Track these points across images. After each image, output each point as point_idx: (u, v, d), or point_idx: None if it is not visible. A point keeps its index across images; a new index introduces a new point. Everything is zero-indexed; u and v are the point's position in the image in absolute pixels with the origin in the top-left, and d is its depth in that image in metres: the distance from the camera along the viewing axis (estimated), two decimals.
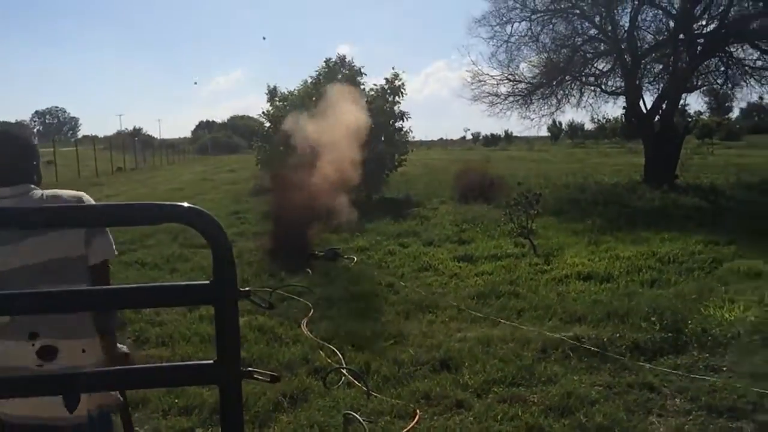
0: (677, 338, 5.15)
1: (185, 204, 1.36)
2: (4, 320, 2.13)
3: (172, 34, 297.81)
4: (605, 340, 5.17)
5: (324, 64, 16.14)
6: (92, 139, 49.59)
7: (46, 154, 36.70)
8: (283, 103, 16.83)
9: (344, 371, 4.76)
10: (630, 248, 8.89)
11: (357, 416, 3.87)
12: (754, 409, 3.95)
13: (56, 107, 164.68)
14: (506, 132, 74.93)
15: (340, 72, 16.16)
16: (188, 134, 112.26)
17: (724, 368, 4.61)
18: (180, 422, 4.04)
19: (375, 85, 15.86)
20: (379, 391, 4.43)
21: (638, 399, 4.15)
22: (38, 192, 2.34)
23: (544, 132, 59.49)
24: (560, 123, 74.02)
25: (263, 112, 17.74)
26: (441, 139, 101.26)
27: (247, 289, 1.51)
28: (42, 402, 1.93)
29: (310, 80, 16.97)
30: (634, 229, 10.57)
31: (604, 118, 35.45)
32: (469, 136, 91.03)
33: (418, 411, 4.05)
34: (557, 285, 7.15)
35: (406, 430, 3.79)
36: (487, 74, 19.19)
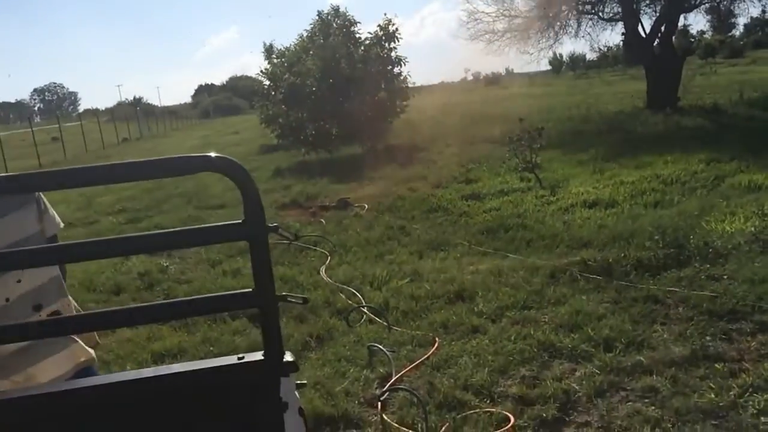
0: (680, 253, 5.38)
1: (213, 154, 1.57)
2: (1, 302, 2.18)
3: (159, 1, 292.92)
4: (611, 261, 5.40)
5: (317, 17, 16.06)
6: (94, 112, 49.55)
7: (52, 131, 36.85)
8: (280, 60, 16.82)
9: (365, 309, 5.04)
10: (634, 173, 9.07)
11: (380, 347, 4.15)
12: (752, 310, 4.19)
13: (54, 83, 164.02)
14: (507, 69, 74.13)
15: (334, 23, 16.10)
16: (189, 99, 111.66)
17: (725, 277, 4.84)
18: None
19: (369, 33, 15.81)
20: (399, 325, 4.71)
21: (643, 311, 4.40)
22: None
23: (545, 66, 58.73)
24: (561, 55, 72.89)
25: (261, 71, 17.74)
26: (442, 82, 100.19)
27: (274, 224, 1.75)
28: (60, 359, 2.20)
29: (305, 34, 16.93)
30: (637, 155, 10.71)
31: (605, 46, 35.01)
32: (470, 77, 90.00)
33: (436, 339, 4.33)
34: (563, 214, 7.37)
35: (426, 355, 4.07)
36: (483, 12, 18.99)
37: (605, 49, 41.84)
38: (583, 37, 20.43)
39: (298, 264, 6.60)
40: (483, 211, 7.97)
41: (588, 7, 19.37)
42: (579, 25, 20.14)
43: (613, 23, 19.86)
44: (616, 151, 11.39)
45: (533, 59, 20.35)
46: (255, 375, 1.73)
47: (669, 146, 10.96)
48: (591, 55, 55.00)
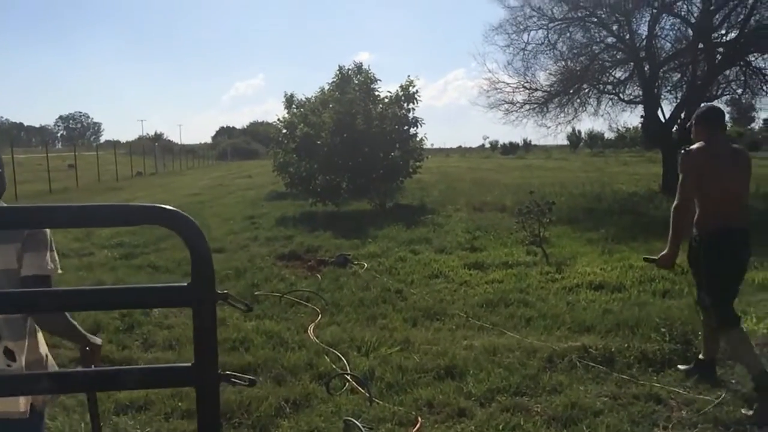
0: (686, 350, 5.08)
1: (164, 206, 1.36)
2: None
3: (193, 42, 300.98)
4: (613, 350, 5.10)
5: (338, 72, 16.19)
6: (114, 144, 50.17)
7: (70, 158, 37.21)
8: (299, 110, 16.92)
9: (348, 377, 4.74)
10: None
11: (357, 423, 3.85)
12: (762, 422, 3.87)
13: (80, 112, 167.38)
14: (524, 140, 74.85)
15: (355, 79, 16.21)
16: (208, 140, 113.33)
17: (733, 381, 4.53)
18: (182, 425, 4.04)
19: (389, 92, 15.91)
20: (382, 398, 4.41)
21: (644, 410, 4.08)
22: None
23: (563, 141, 59.20)
24: (579, 132, 73.78)
25: (279, 119, 17.85)
26: (460, 146, 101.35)
27: (224, 291, 1.51)
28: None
29: (327, 87, 17.06)
30: (648, 239, 10.43)
31: (624, 126, 35.25)
32: (487, 145, 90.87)
33: (419, 418, 4.02)
34: (567, 294, 7.09)
35: None
36: (503, 82, 19.12)
37: (624, 130, 42.18)
38: (602, 115, 20.49)
39: (286, 319, 6.34)
40: (485, 282, 7.71)
41: (609, 87, 19.45)
42: (599, 104, 20.22)
43: (633, 105, 19.91)
44: (627, 233, 11.15)
45: (550, 132, 20.37)
46: None
47: None
48: (609, 134, 55.40)
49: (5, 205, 2.24)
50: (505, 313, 6.40)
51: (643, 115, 18.62)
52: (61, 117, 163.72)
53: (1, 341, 2.28)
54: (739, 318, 4.36)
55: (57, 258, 2.39)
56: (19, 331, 2.30)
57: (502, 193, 17.26)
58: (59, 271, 2.38)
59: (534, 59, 18.71)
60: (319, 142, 14.85)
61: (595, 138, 72.23)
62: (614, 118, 20.81)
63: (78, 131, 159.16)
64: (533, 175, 29.61)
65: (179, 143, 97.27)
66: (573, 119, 19.65)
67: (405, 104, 15.53)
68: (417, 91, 15.53)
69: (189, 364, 1.46)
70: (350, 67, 16.41)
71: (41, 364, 2.39)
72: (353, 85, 15.74)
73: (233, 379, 1.61)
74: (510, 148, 78.09)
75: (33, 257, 2.29)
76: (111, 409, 4.22)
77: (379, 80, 15.95)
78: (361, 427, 3.79)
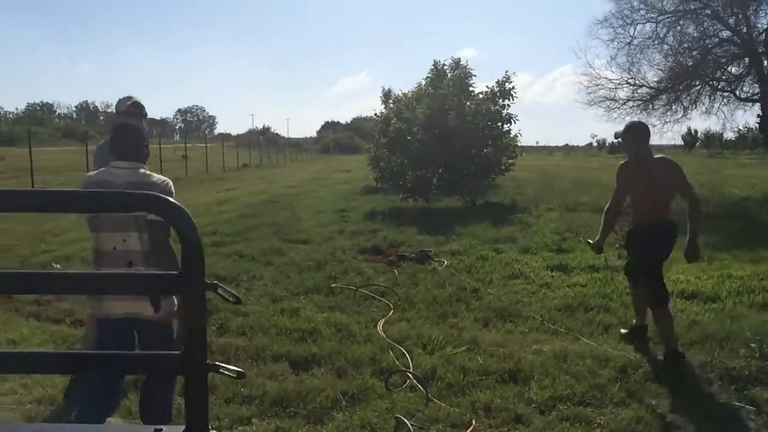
0: None
1: (156, 193, 1.39)
2: (108, 247, 3.26)
3: (302, 39, 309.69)
4: (693, 364, 4.77)
5: (433, 67, 16.08)
6: (222, 137, 52.46)
7: (183, 149, 39.28)
8: (395, 105, 16.98)
9: (409, 374, 4.69)
10: (747, 267, 8.17)
11: (407, 421, 3.80)
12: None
13: (197, 106, 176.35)
14: None
15: (450, 74, 16.02)
16: (313, 134, 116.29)
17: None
18: (240, 410, 4.13)
19: (487, 86, 15.62)
20: (440, 398, 4.33)
21: (719, 428, 3.79)
22: (143, 170, 3.36)
23: (678, 141, 56.09)
24: (696, 131, 69.66)
25: (375, 114, 17.98)
26: (566, 144, 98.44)
27: (213, 282, 1.51)
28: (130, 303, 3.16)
29: (424, 83, 17.01)
30: (756, 247, 9.72)
31: (745, 127, 32.91)
32: (595, 143, 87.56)
33: (474, 421, 3.92)
34: None
35: None
36: (605, 78, 18.32)
37: (744, 130, 39.38)
38: (715, 114, 19.18)
39: (358, 313, 6.36)
40: (566, 285, 7.42)
41: (724, 84, 18.19)
42: (712, 102, 18.96)
43: (750, 104, 18.53)
44: (732, 240, 10.41)
45: (656, 131, 19.27)
46: None
47: None
48: (729, 135, 51.83)
49: (147, 171, 3.38)
50: (583, 318, 6.13)
51: (761, 114, 17.30)
52: (179, 110, 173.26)
53: (132, 266, 3.22)
54: (667, 298, 5.14)
55: None
56: (149, 261, 3.21)
57: (601, 193, 16.54)
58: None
59: (640, 54, 17.80)
60: (410, 138, 14.83)
61: (712, 138, 67.87)
62: (729, 117, 19.38)
63: (194, 124, 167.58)
64: None
65: (286, 137, 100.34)
66: (682, 117, 18.53)
67: (500, 100, 15.19)
68: (513, 87, 15.18)
69: (178, 352, 1.47)
70: (446, 63, 16.25)
71: None
72: (447, 80, 15.58)
73: (222, 370, 1.61)
74: (618, 147, 74.96)
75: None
76: None
77: (474, 75, 15.69)
78: (410, 426, 3.74)
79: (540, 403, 4.20)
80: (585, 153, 75.32)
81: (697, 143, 72.12)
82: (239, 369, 1.65)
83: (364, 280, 7.60)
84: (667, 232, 5.29)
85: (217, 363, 1.54)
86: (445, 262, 8.61)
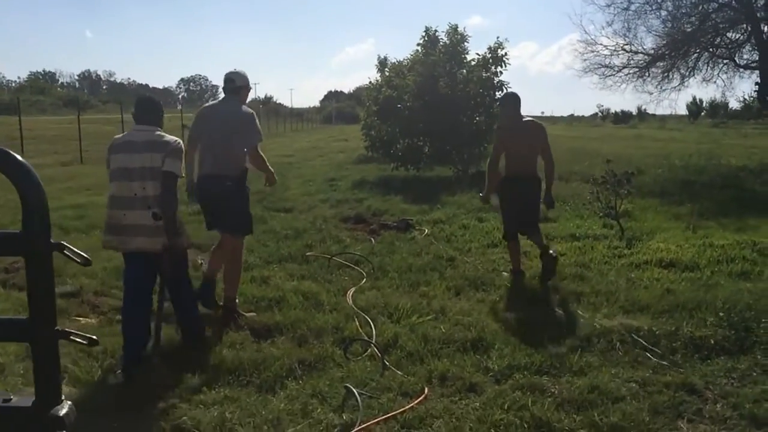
0: (744, 338, 4.58)
1: (4, 149, 1.31)
2: (131, 194, 4.14)
3: (306, 6, 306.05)
4: (659, 333, 4.70)
5: (424, 33, 15.79)
6: None
7: (185, 119, 38.99)
8: (388, 73, 16.73)
9: (369, 343, 4.63)
10: (729, 236, 8.06)
11: (354, 390, 3.74)
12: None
13: (199, 75, 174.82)
14: (639, 109, 70.62)
15: (447, 40, 15.70)
16: (317, 104, 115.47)
17: None
18: (191, 379, 4.07)
19: (478, 54, 15.32)
20: (398, 367, 4.27)
21: (671, 400, 3.71)
22: (158, 132, 4.32)
23: (677, 110, 55.43)
24: (700, 101, 68.95)
25: (370, 82, 17.74)
26: (571, 115, 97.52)
27: (60, 242, 1.42)
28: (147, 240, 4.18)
29: (419, 50, 16.72)
30: (743, 216, 9.62)
31: (751, 96, 32.46)
32: (600, 114, 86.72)
33: (426, 390, 3.86)
34: (631, 271, 6.60)
35: (401, 409, 3.61)
36: (600, 44, 17.97)
37: (750, 99, 38.85)
38: (714, 82, 18.84)
39: (329, 281, 6.30)
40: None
41: (722, 50, 17.83)
42: (711, 69, 18.61)
43: (750, 71, 18.19)
44: (721, 208, 10.31)
45: (653, 99, 18.97)
46: (18, 424, 1.41)
47: None
48: (735, 104, 51.04)
49: (161, 132, 4.34)
50: (557, 286, 6.06)
51: (758, 81, 16.99)
52: (182, 79, 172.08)
53: (151, 209, 4.12)
54: (515, 234, 6.42)
55: (183, 166, 4.34)
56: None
57: (596, 163, 16.36)
58: (183, 176, 4.36)
59: (638, 20, 17.41)
60: (399, 105, 14.63)
61: (717, 108, 67.17)
62: (728, 84, 19.02)
63: (197, 93, 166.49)
64: (639, 145, 28.03)
65: (289, 107, 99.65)
66: (679, 85, 18.21)
67: (493, 67, 14.92)
68: (506, 54, 14.89)
69: (23, 317, 1.39)
70: (437, 29, 15.88)
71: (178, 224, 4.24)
72: (439, 47, 15.30)
73: (72, 337, 1.52)
74: (622, 117, 74.31)
75: (172, 162, 4.15)
76: None
77: (469, 38, 15.31)
78: (358, 395, 3.68)
79: (497, 372, 4.14)
80: (588, 123, 74.71)
81: (702, 113, 71.40)
82: (91, 336, 1.57)
83: (341, 249, 7.53)
84: (535, 183, 6.34)
85: (67, 329, 1.45)
86: (426, 231, 8.52)
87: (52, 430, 1.35)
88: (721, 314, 4.95)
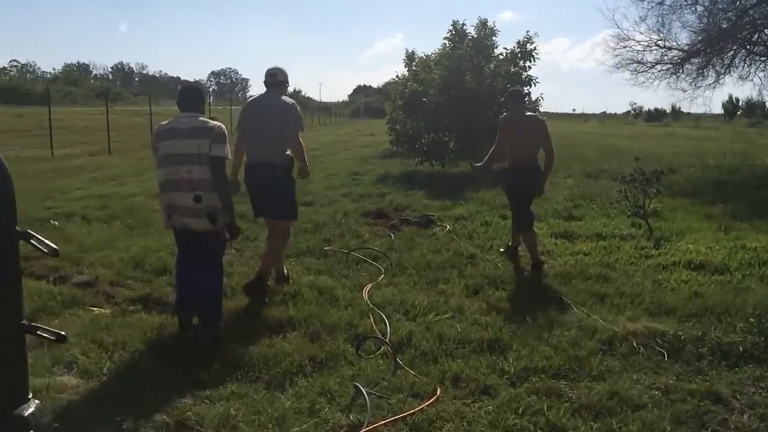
0: None
1: None
2: (177, 177, 4.40)
3: (336, 0, 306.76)
4: (684, 338, 4.51)
5: (451, 27, 15.58)
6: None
7: (214, 111, 39.36)
8: (415, 67, 16.56)
9: (383, 341, 4.51)
10: (763, 239, 7.77)
11: (363, 390, 3.63)
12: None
13: (230, 68, 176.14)
14: (673, 107, 69.22)
15: (475, 34, 15.49)
16: (346, 98, 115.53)
17: None
18: (198, 375, 4.00)
19: (505, 48, 15.08)
20: (411, 366, 4.15)
21: (695, 409, 3.54)
22: (201, 118, 4.50)
23: (712, 109, 54.26)
24: (737, 99, 67.32)
25: (397, 76, 17.57)
26: (603, 112, 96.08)
27: (26, 230, 1.33)
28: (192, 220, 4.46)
29: (448, 44, 16.52)
30: None
31: None
32: (632, 112, 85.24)
33: (438, 392, 3.73)
34: (658, 272, 6.39)
35: (410, 411, 3.49)
36: (633, 39, 17.55)
37: None
38: (751, 80, 18.29)
39: (346, 277, 6.20)
40: (569, 253, 7.14)
41: (760, 48, 17.28)
42: (748, 67, 18.07)
43: None
44: (755, 209, 9.97)
45: (686, 97, 18.49)
46: None
47: None
48: None
49: (205, 118, 4.51)
50: (579, 287, 5.87)
51: None
52: (213, 72, 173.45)
53: (195, 191, 4.37)
54: (531, 222, 6.66)
55: (229, 149, 4.52)
56: (209, 188, 4.39)
57: (626, 161, 16.04)
58: (230, 158, 4.56)
59: (672, 15, 16.96)
60: (425, 99, 14.45)
61: (753, 107, 65.50)
62: (765, 83, 18.44)
63: (228, 86, 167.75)
64: (671, 143, 27.49)
65: (317, 101, 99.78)
66: (714, 83, 17.71)
67: (521, 62, 14.67)
68: (535, 48, 14.64)
69: None
70: (464, 23, 15.64)
71: (216, 209, 4.43)
72: (467, 41, 15.08)
73: (39, 332, 1.44)
74: (655, 115, 72.98)
75: (218, 146, 4.36)
76: None
77: (496, 34, 15.09)
78: (367, 395, 3.57)
79: (512, 374, 4.00)
80: (620, 121, 73.59)
81: (738, 112, 69.74)
82: (60, 331, 1.48)
83: (360, 244, 7.42)
84: (533, 173, 6.61)
85: (34, 324, 1.37)
86: (447, 227, 8.38)
87: (16, 431, 1.26)
88: (751, 320, 4.75)
